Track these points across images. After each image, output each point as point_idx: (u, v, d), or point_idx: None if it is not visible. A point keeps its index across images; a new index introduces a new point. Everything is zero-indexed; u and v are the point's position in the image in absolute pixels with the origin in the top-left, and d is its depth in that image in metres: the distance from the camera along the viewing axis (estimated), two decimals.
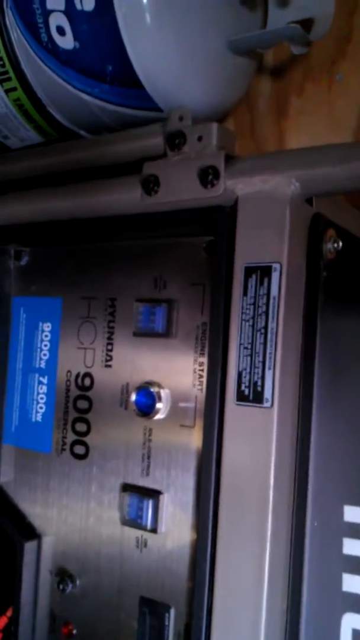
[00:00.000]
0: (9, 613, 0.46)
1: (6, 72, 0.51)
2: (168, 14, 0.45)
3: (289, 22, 0.51)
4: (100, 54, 0.47)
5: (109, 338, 0.43)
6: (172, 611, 0.38)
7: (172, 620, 0.38)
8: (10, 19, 0.49)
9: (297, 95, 0.62)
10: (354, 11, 0.58)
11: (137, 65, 0.47)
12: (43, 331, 0.46)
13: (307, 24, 0.51)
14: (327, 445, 0.36)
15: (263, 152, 0.62)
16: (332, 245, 0.36)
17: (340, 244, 0.36)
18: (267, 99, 0.64)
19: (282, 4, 0.52)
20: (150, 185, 0.38)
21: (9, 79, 0.51)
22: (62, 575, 0.44)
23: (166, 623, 0.38)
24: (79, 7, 0.46)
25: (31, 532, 0.45)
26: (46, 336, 0.46)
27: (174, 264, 0.40)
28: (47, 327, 0.46)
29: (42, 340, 0.46)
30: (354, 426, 0.35)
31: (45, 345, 0.46)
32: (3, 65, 0.50)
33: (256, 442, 0.34)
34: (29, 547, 0.45)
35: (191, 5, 0.47)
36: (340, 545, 0.35)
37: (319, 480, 0.35)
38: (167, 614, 0.39)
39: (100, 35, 0.46)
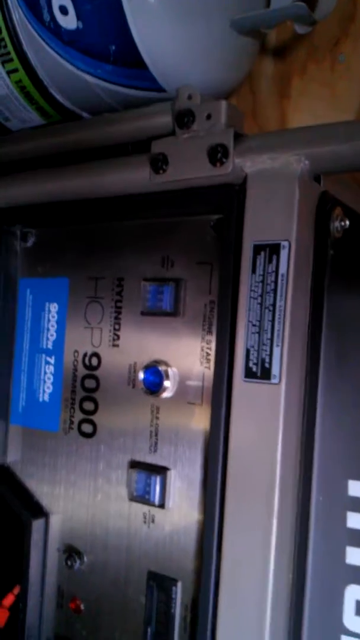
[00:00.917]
0: (16, 591, 0.46)
1: (8, 53, 0.50)
2: None
3: (293, 1, 0.50)
4: (104, 34, 0.47)
5: (116, 318, 0.43)
6: (180, 585, 0.39)
7: (179, 594, 0.39)
8: None
9: (300, 76, 0.62)
10: None
11: (141, 45, 0.47)
12: (50, 312, 0.46)
13: (311, 2, 0.51)
14: (332, 421, 0.36)
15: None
16: (339, 224, 0.36)
17: (347, 222, 0.36)
18: (270, 79, 0.64)
19: None
20: (159, 163, 0.38)
21: (11, 60, 0.51)
22: (70, 552, 0.44)
23: (173, 597, 0.39)
24: None
25: (39, 511, 0.46)
26: (53, 317, 0.46)
27: (181, 243, 0.40)
28: (53, 307, 0.46)
29: (48, 321, 0.46)
30: (358, 402, 0.36)
31: (52, 326, 0.46)
32: (5, 46, 0.50)
33: (264, 418, 0.34)
34: (37, 525, 0.45)
35: None
36: (344, 519, 0.35)
37: (324, 455, 0.36)
38: (174, 588, 0.39)
39: (104, 15, 0.46)
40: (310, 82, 0.61)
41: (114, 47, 0.48)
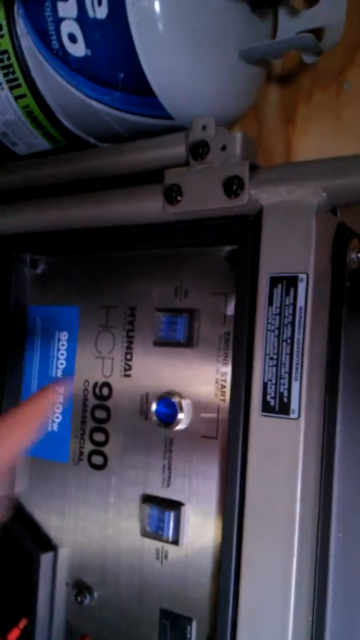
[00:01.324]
0: (22, 624, 0.45)
1: (16, 79, 0.50)
2: (181, 23, 0.45)
3: (299, 32, 0.51)
4: (112, 61, 0.47)
5: (128, 347, 0.42)
6: (194, 624, 0.38)
7: (194, 634, 0.38)
8: (21, 27, 0.48)
9: (305, 104, 0.62)
10: None
11: (150, 73, 0.47)
12: (60, 340, 0.46)
13: (317, 32, 0.51)
14: (351, 456, 0.36)
15: (271, 160, 0.62)
16: (356, 255, 0.36)
17: None
18: (275, 107, 0.64)
19: (292, 13, 0.53)
20: (173, 194, 0.37)
21: (19, 85, 0.51)
22: (80, 587, 0.43)
23: (188, 636, 0.38)
24: (91, 14, 0.45)
25: (47, 544, 0.45)
26: (63, 345, 0.46)
27: (194, 273, 0.40)
28: (63, 336, 0.46)
29: (58, 349, 0.46)
30: None
31: (62, 355, 0.46)
32: (13, 72, 0.50)
33: (282, 454, 0.34)
34: (45, 558, 0.44)
35: (203, 14, 0.47)
36: None
37: (343, 491, 0.35)
38: (188, 627, 0.38)
39: (113, 43, 0.46)
40: (315, 108, 0.62)
41: (122, 75, 0.48)
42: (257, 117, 0.65)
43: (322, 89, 0.61)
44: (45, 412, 0.35)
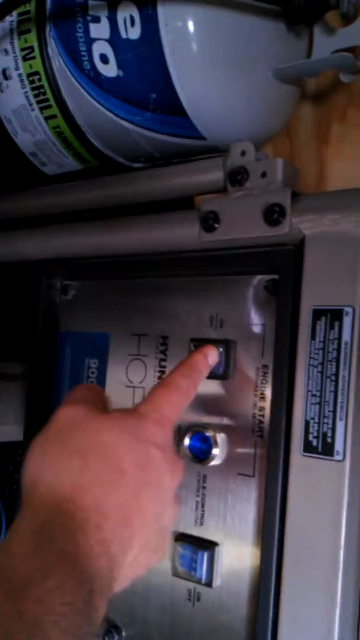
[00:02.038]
0: None
1: (47, 100, 0.50)
2: (215, 43, 0.44)
3: (335, 50, 0.50)
4: (144, 82, 0.47)
5: (160, 377, 0.41)
6: None
7: None
8: (52, 47, 0.48)
9: (339, 122, 0.61)
10: None
11: (182, 94, 0.46)
12: (89, 367, 0.45)
13: (354, 51, 0.50)
14: None
15: (304, 180, 0.60)
16: None
17: None
18: (308, 125, 0.63)
19: (329, 31, 0.51)
20: (210, 222, 0.36)
21: (50, 106, 0.50)
22: (108, 626, 0.42)
23: None
24: (124, 35, 0.45)
25: None
26: (92, 373, 0.45)
27: (231, 302, 0.38)
28: (93, 363, 0.44)
29: (88, 377, 0.45)
30: None
31: (92, 382, 0.44)
32: (44, 93, 0.50)
33: (325, 497, 0.32)
34: None
35: (238, 33, 0.46)
36: None
37: None
38: None
39: (145, 64, 0.46)
40: (350, 127, 0.60)
41: (154, 95, 0.47)
42: (290, 136, 0.63)
43: (356, 106, 0.60)
44: (203, 369, 0.35)
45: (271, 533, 0.33)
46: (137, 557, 0.27)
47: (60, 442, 0.28)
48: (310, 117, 0.63)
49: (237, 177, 0.36)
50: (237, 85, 0.48)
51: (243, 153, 0.36)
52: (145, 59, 0.45)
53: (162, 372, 0.41)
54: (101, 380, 0.44)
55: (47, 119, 0.51)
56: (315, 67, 0.49)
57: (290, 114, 0.57)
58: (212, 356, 0.36)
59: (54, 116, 0.51)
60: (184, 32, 0.43)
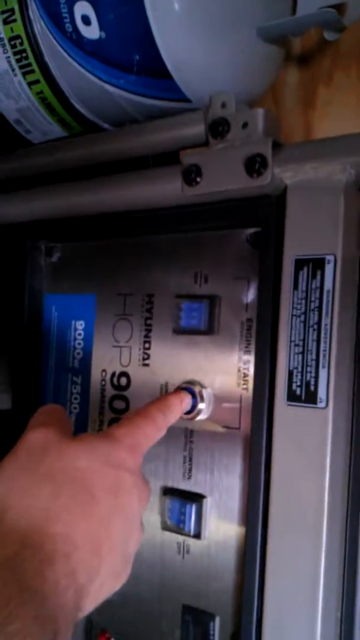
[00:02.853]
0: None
1: (29, 65, 0.49)
2: (197, 1, 0.44)
3: (320, 8, 0.49)
4: (127, 43, 0.46)
5: (147, 336, 0.41)
6: (218, 620, 0.37)
7: (217, 630, 0.37)
8: (33, 11, 0.47)
9: (325, 85, 0.60)
10: None
11: (166, 54, 0.46)
12: (76, 329, 0.45)
13: (338, 8, 0.50)
14: None
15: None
16: None
17: None
18: (294, 89, 0.62)
19: None
20: (192, 175, 0.36)
21: (32, 71, 0.50)
22: None
23: (211, 632, 0.37)
24: None
25: None
26: (79, 334, 0.45)
27: (215, 258, 0.38)
28: (80, 325, 0.44)
29: (75, 339, 0.45)
30: None
31: (79, 344, 0.44)
32: (26, 58, 0.49)
33: (309, 445, 0.32)
34: None
35: None
36: None
37: None
38: (211, 623, 0.37)
39: (128, 24, 0.45)
40: (336, 91, 0.60)
41: (137, 57, 0.47)
42: (276, 100, 0.63)
43: (343, 69, 0.59)
44: (176, 412, 0.34)
45: (257, 482, 0.34)
46: (103, 584, 0.27)
47: (30, 467, 0.27)
48: (296, 81, 0.62)
49: (218, 128, 0.35)
50: (221, 45, 0.47)
51: (224, 105, 0.36)
52: (128, 19, 0.45)
53: (149, 330, 0.41)
54: (88, 341, 0.44)
55: (30, 84, 0.50)
56: (299, 24, 0.48)
57: (275, 75, 0.56)
58: (186, 402, 0.36)
59: (37, 81, 0.50)
60: None
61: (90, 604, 0.27)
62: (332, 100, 0.60)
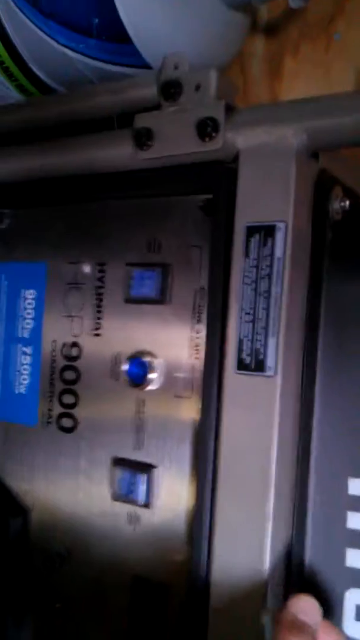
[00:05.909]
0: None
1: None
2: None
3: None
4: (87, 6, 0.45)
5: (98, 305, 0.40)
6: (167, 590, 0.37)
7: (167, 600, 0.37)
8: None
9: (292, 56, 0.59)
10: None
11: (126, 18, 0.44)
12: (26, 299, 0.43)
13: None
14: (331, 416, 0.34)
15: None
16: (339, 205, 0.34)
17: (348, 203, 0.34)
18: (261, 60, 0.61)
19: None
20: (143, 139, 0.35)
21: None
22: (50, 553, 0.42)
23: (162, 603, 0.37)
24: None
25: (17, 508, 0.43)
26: (29, 304, 0.43)
27: (168, 225, 0.37)
28: (30, 294, 0.43)
29: (25, 309, 0.44)
30: (359, 396, 0.33)
31: (29, 314, 0.43)
32: None
33: (258, 413, 0.32)
34: (15, 523, 0.42)
35: None
36: (344, 519, 0.33)
37: (321, 452, 0.34)
38: (162, 594, 0.37)
39: None
40: (303, 62, 0.59)
41: (97, 21, 0.45)
42: (242, 71, 0.62)
43: (310, 40, 0.58)
44: None
45: (206, 451, 0.34)
46: None
47: None
48: (262, 52, 0.61)
49: (170, 90, 0.34)
50: (182, 9, 0.46)
51: (176, 66, 0.35)
52: None
53: (100, 299, 0.40)
54: (39, 311, 0.43)
55: None
56: None
57: (240, 43, 0.55)
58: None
59: None
60: None
61: None
62: (299, 72, 0.59)
